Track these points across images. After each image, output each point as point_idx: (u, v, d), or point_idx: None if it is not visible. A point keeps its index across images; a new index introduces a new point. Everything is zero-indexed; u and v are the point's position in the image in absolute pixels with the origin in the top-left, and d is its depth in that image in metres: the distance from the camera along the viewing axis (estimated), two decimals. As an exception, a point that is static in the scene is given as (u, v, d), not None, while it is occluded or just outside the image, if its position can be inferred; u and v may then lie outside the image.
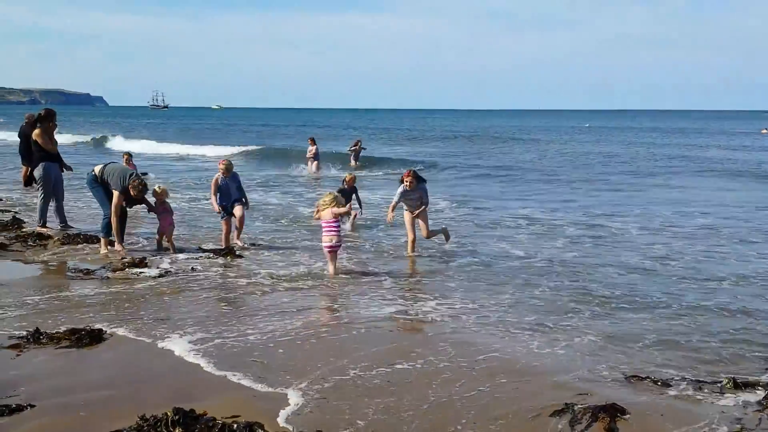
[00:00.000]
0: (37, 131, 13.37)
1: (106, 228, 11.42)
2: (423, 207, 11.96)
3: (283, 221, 15.17)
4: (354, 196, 14.86)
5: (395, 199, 11.94)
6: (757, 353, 7.04)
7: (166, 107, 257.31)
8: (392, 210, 11.97)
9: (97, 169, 11.58)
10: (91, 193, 12.04)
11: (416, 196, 11.97)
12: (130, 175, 11.39)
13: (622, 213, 17.01)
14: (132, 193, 11.27)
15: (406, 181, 11.82)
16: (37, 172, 13.41)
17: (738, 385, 6.03)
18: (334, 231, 10.06)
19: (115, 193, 11.18)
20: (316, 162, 28.79)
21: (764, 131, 76.49)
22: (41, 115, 13.66)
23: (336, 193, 10.62)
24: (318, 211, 10.29)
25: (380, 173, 28.73)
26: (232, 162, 12.63)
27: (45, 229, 12.83)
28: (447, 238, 12.56)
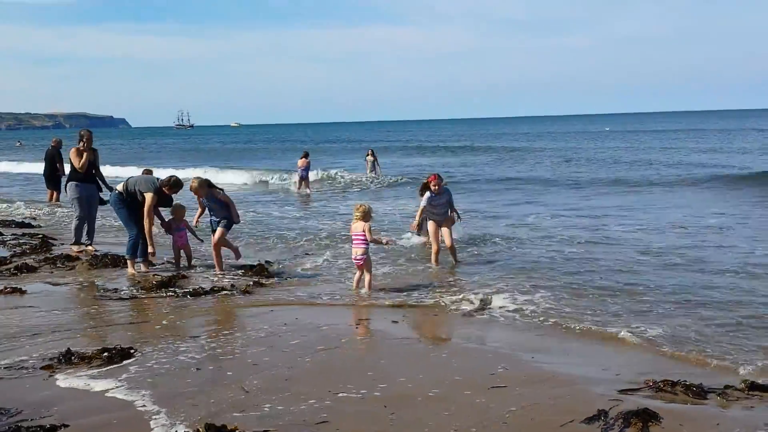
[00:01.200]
0: (72, 150, 13.29)
1: (133, 249, 11.50)
2: (451, 214, 11.89)
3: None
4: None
5: (423, 203, 11.77)
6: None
7: (191, 126, 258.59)
8: (419, 216, 11.89)
9: (120, 186, 11.64)
10: (116, 215, 12.12)
11: (443, 201, 11.81)
12: (157, 179, 11.64)
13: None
14: (166, 190, 11.43)
15: (432, 185, 11.64)
16: (69, 193, 13.43)
17: (756, 386, 6.01)
18: (360, 244, 9.99)
19: (148, 196, 11.26)
20: (304, 179, 27.39)
21: None
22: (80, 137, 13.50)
23: (368, 206, 10.21)
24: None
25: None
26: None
27: (77, 248, 13.09)
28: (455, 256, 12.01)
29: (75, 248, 13.15)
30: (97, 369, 6.70)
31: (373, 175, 31.21)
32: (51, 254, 12.84)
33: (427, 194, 11.72)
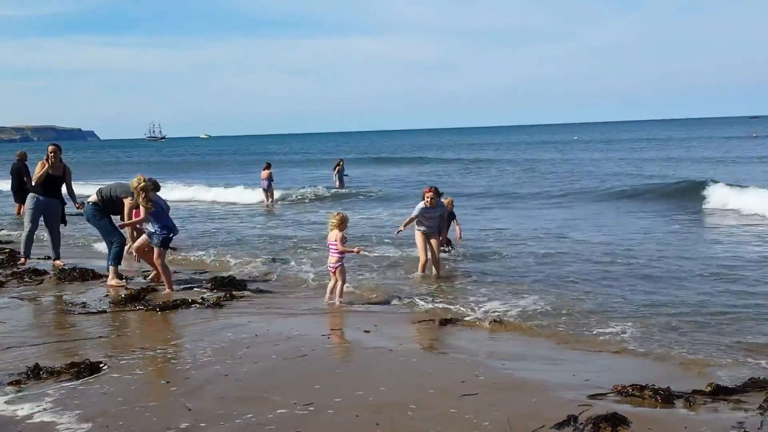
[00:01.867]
0: (38, 163, 13.05)
1: (117, 257, 11.36)
2: (441, 231, 11.99)
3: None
4: (454, 221, 13.93)
5: (414, 213, 11.76)
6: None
7: (163, 138, 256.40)
8: (405, 225, 11.82)
9: (93, 197, 11.49)
10: (93, 227, 11.93)
11: (436, 214, 11.80)
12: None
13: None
14: (143, 194, 10.65)
15: (427, 197, 11.62)
16: (26, 204, 13.41)
17: (721, 389, 6.09)
18: (335, 252, 9.96)
19: (127, 201, 11.14)
20: (267, 190, 27.26)
21: (755, 134, 76.74)
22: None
23: (344, 215, 10.17)
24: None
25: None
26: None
27: (24, 261, 13.16)
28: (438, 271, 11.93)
29: (23, 259, 13.20)
30: (66, 383, 6.63)
31: (341, 190, 30.92)
32: (18, 269, 12.68)
33: (420, 204, 11.74)
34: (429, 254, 11.86)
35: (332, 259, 9.99)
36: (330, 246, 10.07)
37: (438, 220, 11.85)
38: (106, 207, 11.42)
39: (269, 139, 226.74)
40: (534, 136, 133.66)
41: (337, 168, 32.47)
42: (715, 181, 23.76)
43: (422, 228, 11.81)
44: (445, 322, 8.81)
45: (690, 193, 23.68)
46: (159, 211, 10.75)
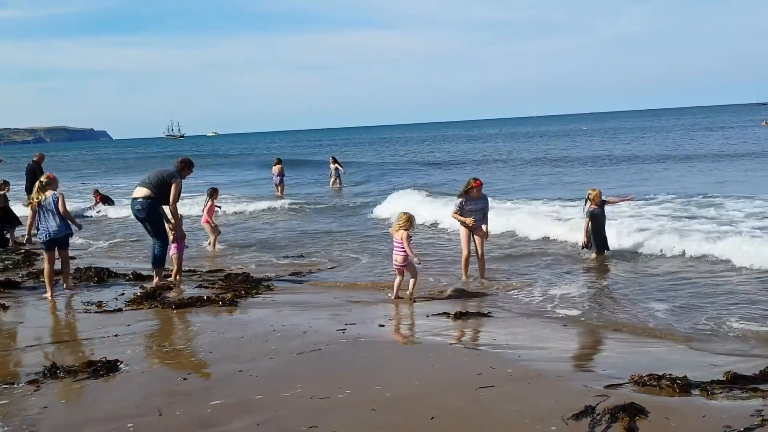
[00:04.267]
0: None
1: (162, 258, 11.32)
2: (484, 218, 11.37)
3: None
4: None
5: (453, 209, 11.44)
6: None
7: (182, 137, 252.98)
8: (460, 215, 11.35)
9: (144, 192, 11.05)
10: (143, 224, 11.46)
11: (479, 207, 11.38)
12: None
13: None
14: (186, 173, 11.28)
15: (475, 190, 11.22)
16: None
17: (738, 378, 6.05)
18: (400, 251, 10.02)
19: (177, 182, 11.09)
20: (278, 185, 28.20)
21: (765, 123, 76.13)
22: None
23: (411, 215, 10.23)
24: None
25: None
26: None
27: None
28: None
29: None
30: (82, 382, 6.66)
31: (336, 186, 30.80)
32: (34, 269, 12.75)
33: (461, 199, 11.34)
34: (472, 248, 11.48)
35: (398, 257, 10.05)
36: (396, 244, 10.09)
37: (480, 213, 11.36)
38: (159, 196, 11.13)
39: (280, 135, 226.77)
40: (543, 127, 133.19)
41: (332, 165, 31.60)
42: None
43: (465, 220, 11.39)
44: (459, 315, 8.81)
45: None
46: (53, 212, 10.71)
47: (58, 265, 11.03)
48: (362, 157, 57.78)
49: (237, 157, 68.96)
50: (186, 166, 11.39)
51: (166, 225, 11.32)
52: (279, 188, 28.01)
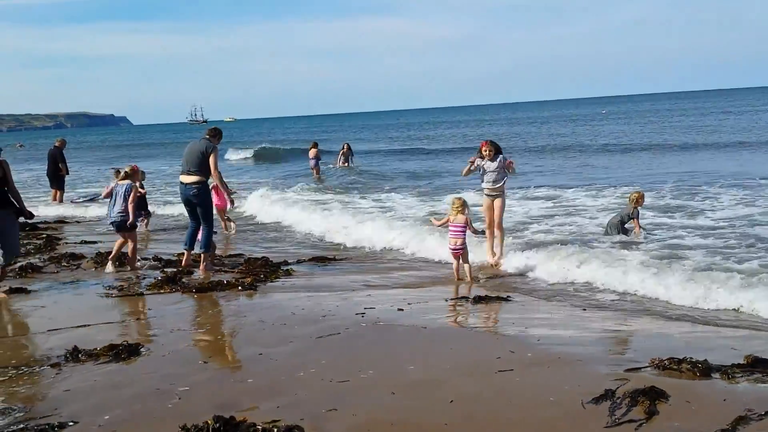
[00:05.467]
0: None
1: (209, 242, 11.34)
2: (502, 183, 11.20)
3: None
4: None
5: (468, 166, 11.34)
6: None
7: (205, 122, 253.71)
8: (468, 168, 11.35)
9: (193, 177, 11.09)
10: (191, 209, 11.38)
11: (495, 166, 11.14)
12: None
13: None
14: (217, 141, 11.43)
15: (484, 151, 11.14)
16: None
17: (759, 361, 6.00)
18: (460, 234, 10.24)
19: (215, 151, 11.21)
20: (314, 168, 29.01)
21: None
22: None
23: (464, 200, 10.60)
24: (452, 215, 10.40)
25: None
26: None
27: None
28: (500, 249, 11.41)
29: None
30: (104, 365, 6.72)
31: (345, 166, 31.62)
32: (56, 253, 12.86)
33: (478, 159, 11.23)
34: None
35: (458, 241, 10.26)
36: (455, 229, 10.29)
37: (498, 173, 11.15)
38: (206, 176, 11.19)
39: (295, 120, 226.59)
40: (563, 110, 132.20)
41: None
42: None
43: (485, 189, 11.37)
44: (479, 299, 8.80)
45: None
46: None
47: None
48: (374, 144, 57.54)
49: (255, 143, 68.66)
50: (217, 134, 11.49)
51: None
52: (315, 171, 28.79)
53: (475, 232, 10.69)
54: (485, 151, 11.11)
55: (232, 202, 12.70)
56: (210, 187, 11.49)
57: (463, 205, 10.40)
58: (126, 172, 11.87)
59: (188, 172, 11.14)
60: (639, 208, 12.34)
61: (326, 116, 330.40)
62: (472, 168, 11.26)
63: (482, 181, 11.33)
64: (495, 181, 11.17)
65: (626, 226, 12.27)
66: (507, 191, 11.57)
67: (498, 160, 11.14)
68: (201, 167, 11.11)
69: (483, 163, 11.15)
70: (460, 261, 10.36)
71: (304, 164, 31.78)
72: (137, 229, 12.23)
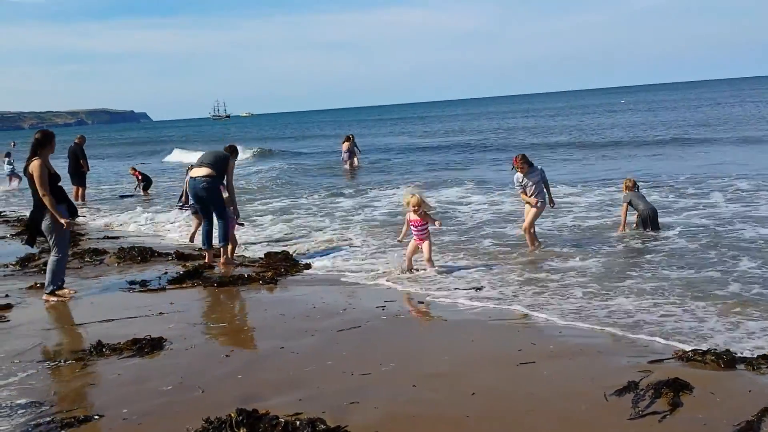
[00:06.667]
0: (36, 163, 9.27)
1: (227, 235, 11.38)
2: (541, 193, 11.34)
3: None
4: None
5: (517, 188, 11.55)
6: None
7: (228, 117, 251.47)
8: (526, 195, 11.42)
9: (205, 171, 11.15)
10: (203, 205, 11.46)
11: (535, 180, 11.35)
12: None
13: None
14: (234, 156, 11.81)
15: (517, 166, 11.31)
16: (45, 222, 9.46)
17: None
18: (417, 233, 10.15)
19: (232, 162, 11.50)
20: (349, 160, 29.13)
21: None
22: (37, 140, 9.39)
23: (416, 197, 10.18)
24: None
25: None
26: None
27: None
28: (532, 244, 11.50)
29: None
30: (128, 359, 6.77)
31: (350, 167, 29.03)
32: (78, 248, 12.96)
33: (516, 175, 11.43)
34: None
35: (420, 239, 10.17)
36: (414, 228, 10.19)
37: (538, 184, 11.31)
38: (219, 175, 11.26)
39: (312, 115, 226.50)
40: (579, 100, 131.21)
41: (346, 144, 29.57)
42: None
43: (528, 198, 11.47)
44: (499, 291, 8.76)
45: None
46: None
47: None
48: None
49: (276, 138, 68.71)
50: (233, 151, 11.87)
51: None
52: (349, 163, 28.88)
53: (436, 223, 10.26)
54: (518, 166, 11.28)
55: (237, 212, 11.94)
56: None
57: (415, 204, 10.06)
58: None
59: (201, 165, 11.29)
60: (630, 193, 12.40)
61: (346, 110, 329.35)
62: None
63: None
64: (536, 192, 11.32)
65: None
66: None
67: (534, 172, 11.32)
68: (216, 165, 11.21)
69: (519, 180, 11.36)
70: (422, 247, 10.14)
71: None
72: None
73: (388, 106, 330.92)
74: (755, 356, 5.94)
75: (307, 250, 12.39)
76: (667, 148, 29.38)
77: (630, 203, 12.23)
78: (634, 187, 12.48)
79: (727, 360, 5.83)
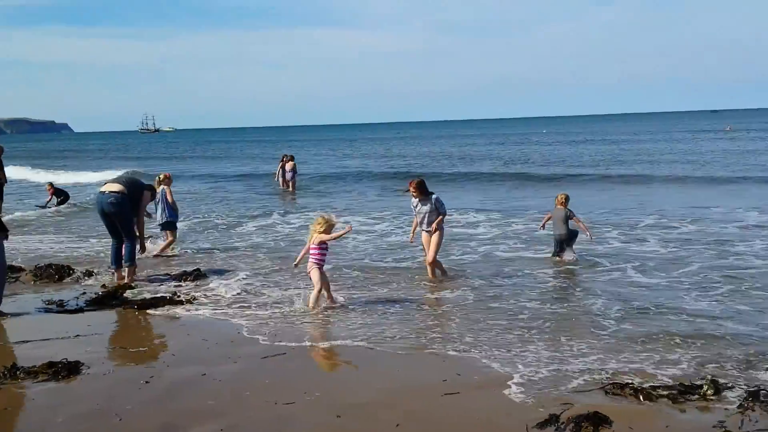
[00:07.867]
0: None
1: (133, 255, 11.15)
2: (435, 222, 10.90)
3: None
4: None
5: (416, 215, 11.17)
6: (734, 353, 7.15)
7: (157, 131, 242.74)
8: (414, 229, 11.28)
9: (117, 187, 10.93)
10: (109, 221, 11.10)
11: (426, 209, 10.94)
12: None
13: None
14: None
15: (411, 191, 10.91)
16: None
17: (718, 389, 6.07)
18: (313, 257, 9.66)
19: (148, 193, 11.50)
20: (291, 180, 28.53)
21: (728, 128, 77.62)
22: None
23: (328, 217, 9.63)
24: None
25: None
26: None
27: None
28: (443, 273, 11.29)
29: None
30: (43, 384, 6.54)
31: (285, 188, 28.52)
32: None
33: (413, 201, 11.13)
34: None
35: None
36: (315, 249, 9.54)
37: (430, 214, 10.93)
38: (130, 196, 10.98)
39: (239, 132, 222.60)
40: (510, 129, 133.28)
41: (291, 164, 28.74)
42: None
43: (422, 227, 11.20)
44: (425, 321, 8.79)
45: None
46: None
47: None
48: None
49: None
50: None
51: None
52: (289, 183, 28.34)
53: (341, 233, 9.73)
54: (411, 191, 10.99)
55: (143, 247, 11.76)
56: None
57: (323, 222, 9.48)
58: (159, 178, 13.81)
59: (113, 181, 11.30)
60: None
61: (271, 129, 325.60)
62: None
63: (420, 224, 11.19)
64: (426, 223, 11.04)
65: (570, 226, 12.49)
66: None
67: (428, 200, 10.99)
68: (127, 186, 11.09)
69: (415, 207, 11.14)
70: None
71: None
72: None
73: (319, 127, 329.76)
74: (676, 390, 6.05)
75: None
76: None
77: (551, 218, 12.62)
78: (561, 203, 12.61)
79: (645, 393, 5.98)
